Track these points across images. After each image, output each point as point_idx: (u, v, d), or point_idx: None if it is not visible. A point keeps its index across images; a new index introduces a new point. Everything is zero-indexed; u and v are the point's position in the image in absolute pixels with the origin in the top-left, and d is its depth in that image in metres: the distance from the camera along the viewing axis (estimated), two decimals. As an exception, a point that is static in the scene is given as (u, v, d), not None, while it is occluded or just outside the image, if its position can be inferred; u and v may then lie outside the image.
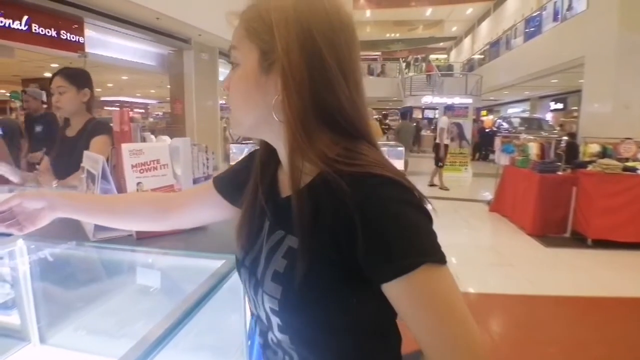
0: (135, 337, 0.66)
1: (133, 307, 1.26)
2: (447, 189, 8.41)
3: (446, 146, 8.68)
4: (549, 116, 17.24)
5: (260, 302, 0.63)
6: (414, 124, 15.03)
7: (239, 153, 6.15)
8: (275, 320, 0.62)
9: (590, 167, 5.06)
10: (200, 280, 0.87)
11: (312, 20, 0.57)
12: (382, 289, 0.54)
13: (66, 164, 1.94)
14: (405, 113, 12.99)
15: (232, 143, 6.33)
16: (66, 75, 1.98)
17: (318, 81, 0.57)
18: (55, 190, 1.84)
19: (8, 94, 10.01)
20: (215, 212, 0.84)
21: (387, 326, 0.64)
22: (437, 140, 8.76)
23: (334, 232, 0.54)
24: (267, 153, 0.69)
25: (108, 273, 1.25)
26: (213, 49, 9.93)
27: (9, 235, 1.15)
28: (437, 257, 0.52)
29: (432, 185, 8.74)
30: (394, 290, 0.53)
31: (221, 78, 10.43)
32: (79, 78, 2.02)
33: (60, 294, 1.31)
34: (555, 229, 5.11)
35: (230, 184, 0.81)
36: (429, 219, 0.55)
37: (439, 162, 8.60)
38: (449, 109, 9.77)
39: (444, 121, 8.90)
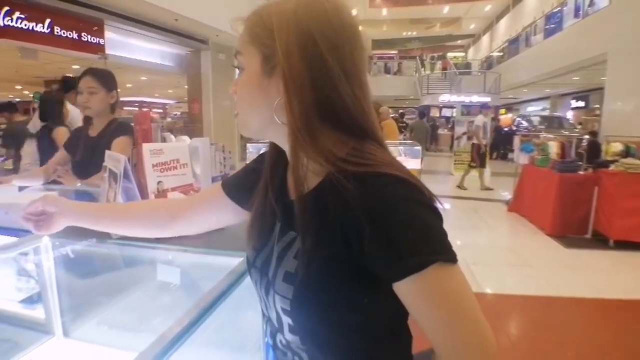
0: (155, 332, 0.67)
1: (153, 303, 1.29)
2: (490, 189, 8.03)
3: (485, 146, 8.27)
4: (569, 114, 16.88)
5: (272, 303, 0.64)
6: (430, 123, 14.83)
7: (255, 152, 6.18)
8: (286, 321, 0.62)
9: (612, 167, 4.94)
10: (219, 278, 0.88)
11: (312, 22, 0.58)
12: (394, 288, 0.55)
13: (88, 163, 1.98)
14: (423, 112, 12.92)
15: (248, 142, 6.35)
16: (96, 76, 2.02)
17: (320, 82, 0.57)
18: (80, 188, 1.89)
19: (31, 95, 10.29)
20: (224, 216, 0.85)
21: (398, 326, 0.65)
22: (475, 141, 8.30)
23: (344, 232, 0.55)
24: (276, 154, 0.70)
25: (129, 269, 1.28)
26: (230, 49, 10.02)
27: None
28: (448, 256, 0.53)
29: (463, 188, 8.25)
30: (405, 289, 0.54)
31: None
32: (108, 80, 2.06)
33: (83, 289, 1.34)
34: (575, 229, 5.00)
35: (239, 187, 0.81)
36: (439, 217, 0.55)
37: (476, 161, 8.16)
38: (484, 107, 9.34)
39: (480, 119, 8.46)
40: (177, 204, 0.91)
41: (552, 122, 13.75)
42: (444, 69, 20.54)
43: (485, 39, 25.71)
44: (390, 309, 0.59)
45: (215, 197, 0.83)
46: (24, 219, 0.89)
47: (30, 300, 1.32)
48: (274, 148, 0.70)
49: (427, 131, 11.82)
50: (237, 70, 0.67)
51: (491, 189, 8.16)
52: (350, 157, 0.57)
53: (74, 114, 3.77)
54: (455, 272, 0.54)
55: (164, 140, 1.29)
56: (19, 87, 13.73)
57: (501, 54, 18.36)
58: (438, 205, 0.56)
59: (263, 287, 0.67)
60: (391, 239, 0.52)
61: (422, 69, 19.95)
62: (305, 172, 0.60)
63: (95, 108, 2.02)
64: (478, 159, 8.19)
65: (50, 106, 3.50)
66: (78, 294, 1.32)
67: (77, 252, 1.23)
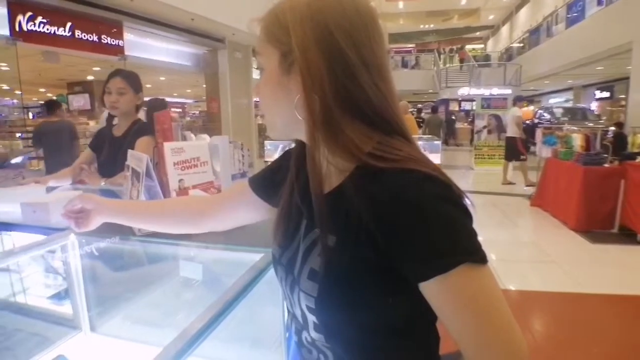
0: (178, 327, 0.68)
1: (176, 299, 1.32)
2: (534, 184, 7.49)
3: (521, 139, 7.86)
4: (594, 105, 16.42)
5: (297, 300, 0.63)
6: (443, 118, 14.83)
7: (273, 150, 6.23)
8: (311, 319, 0.62)
9: (639, 159, 4.79)
10: (240, 273, 0.89)
11: (328, 14, 0.57)
12: (420, 288, 0.53)
13: (113, 163, 2.02)
14: (436, 107, 13.01)
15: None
16: (125, 77, 2.08)
17: (340, 74, 0.56)
18: (104, 187, 1.93)
19: (55, 97, 10.59)
20: (252, 212, 0.85)
21: (424, 327, 0.63)
22: (511, 134, 7.93)
23: (370, 230, 0.53)
24: (302, 151, 0.69)
25: (153, 266, 1.30)
26: (247, 48, 10.08)
27: (63, 229, 1.23)
28: (478, 256, 0.51)
29: (509, 183, 8.03)
30: (432, 290, 0.52)
31: (255, 76, 10.59)
32: (135, 81, 2.12)
33: (108, 286, 1.38)
34: (601, 224, 4.87)
35: (266, 184, 0.81)
36: (468, 216, 0.53)
37: (517, 156, 7.80)
38: (519, 99, 8.96)
39: (514, 111, 8.10)
40: (206, 201, 0.94)
41: (576, 114, 13.38)
42: (461, 60, 20.22)
43: (504, 29, 25.18)
44: (415, 310, 0.58)
45: (243, 195, 0.84)
46: (64, 217, 0.93)
47: (58, 297, 1.37)
48: (301, 145, 0.69)
49: (441, 123, 12.12)
50: (253, 69, 0.67)
51: (513, 184, 7.98)
52: (376, 151, 0.56)
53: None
54: (485, 273, 0.52)
55: (184, 138, 1.31)
56: (42, 89, 14.10)
57: (521, 45, 17.95)
58: (467, 202, 0.54)
59: (288, 284, 0.66)
60: (418, 238, 0.51)
61: (440, 62, 19.70)
62: (328, 168, 0.59)
63: (123, 108, 2.07)
64: (518, 153, 7.80)
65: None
66: (104, 290, 1.35)
67: (102, 250, 1.26)
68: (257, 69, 0.77)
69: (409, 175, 0.53)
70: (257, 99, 0.68)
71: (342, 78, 0.56)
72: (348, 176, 0.58)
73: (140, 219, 0.95)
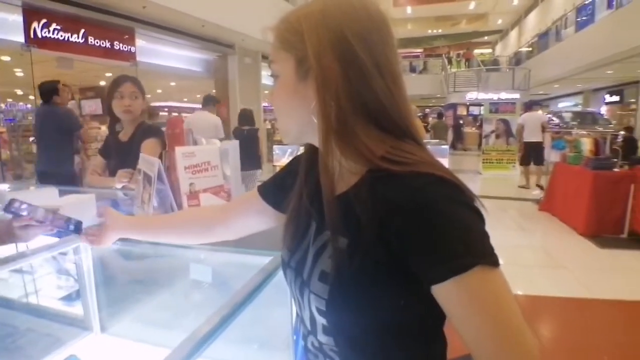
0: (188, 329, 0.69)
1: (186, 301, 1.33)
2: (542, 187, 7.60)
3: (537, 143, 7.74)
4: (603, 109, 16.25)
5: (307, 303, 0.63)
6: (451, 123, 15.23)
7: (281, 154, 6.23)
8: (320, 321, 0.62)
9: (650, 163, 4.75)
10: (249, 276, 0.90)
11: (342, 20, 0.58)
12: (432, 290, 0.53)
13: (120, 167, 2.05)
14: (441, 113, 13.33)
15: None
16: (135, 82, 2.12)
17: (354, 80, 0.57)
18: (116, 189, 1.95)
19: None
20: (262, 219, 0.86)
21: (433, 330, 0.63)
22: (536, 138, 7.72)
23: (383, 232, 0.54)
24: (312, 155, 0.70)
25: (163, 268, 1.32)
26: (256, 53, 10.14)
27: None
28: (490, 259, 0.51)
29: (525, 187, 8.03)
30: (444, 292, 0.52)
31: (264, 81, 10.64)
32: (142, 86, 2.17)
33: (119, 288, 1.39)
34: (610, 229, 4.81)
35: (275, 190, 0.82)
36: (481, 219, 0.54)
37: (541, 160, 7.72)
38: (534, 103, 8.63)
39: (539, 116, 7.98)
40: (218, 211, 0.94)
41: (585, 118, 13.26)
42: (467, 60, 20.17)
43: (513, 34, 25.08)
44: (426, 312, 0.58)
45: (253, 202, 0.85)
46: (84, 238, 0.98)
47: (69, 298, 1.39)
48: (311, 149, 0.70)
49: (446, 128, 12.45)
50: (263, 75, 0.69)
51: (528, 188, 7.91)
52: (389, 155, 0.56)
53: None
54: (497, 276, 0.52)
55: (195, 143, 1.33)
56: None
57: (530, 49, 17.88)
58: (479, 206, 0.54)
59: (297, 287, 0.66)
60: (431, 240, 0.51)
61: (449, 66, 19.64)
62: (340, 171, 0.60)
63: (136, 112, 2.11)
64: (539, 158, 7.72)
65: None
66: (114, 291, 1.37)
67: (114, 252, 1.28)
68: (271, 76, 0.78)
69: (423, 178, 0.53)
70: (270, 105, 0.69)
71: (357, 83, 0.57)
72: (360, 179, 0.59)
73: (154, 233, 0.97)
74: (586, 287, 3.56)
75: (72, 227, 0.94)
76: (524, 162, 8.05)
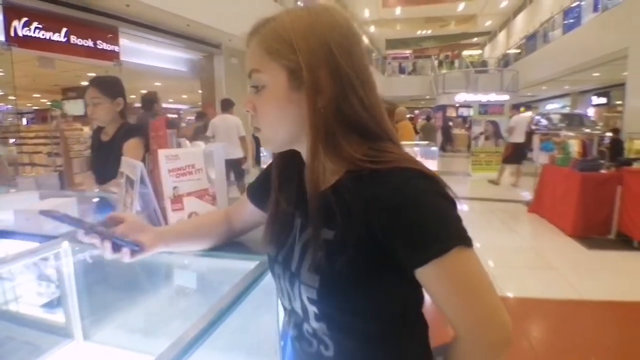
0: (172, 336, 0.67)
1: (170, 307, 1.30)
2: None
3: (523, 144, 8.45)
4: (591, 111, 16.50)
5: (297, 294, 0.67)
6: (440, 124, 15.78)
7: (268, 155, 6.20)
8: (312, 309, 0.65)
9: (636, 165, 4.81)
10: (235, 281, 0.88)
11: (329, 34, 0.61)
12: (416, 274, 0.58)
13: (103, 168, 2.01)
14: (429, 116, 13.98)
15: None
16: (99, 86, 2.03)
17: (341, 91, 0.61)
18: (97, 194, 1.92)
19: (49, 103, 10.54)
20: (256, 218, 0.91)
21: (416, 313, 0.69)
22: (521, 139, 8.33)
23: (368, 225, 0.58)
24: (287, 158, 0.73)
25: (147, 274, 1.29)
26: (243, 54, 9.88)
27: (56, 237, 1.22)
28: (466, 240, 0.57)
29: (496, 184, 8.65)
30: (428, 274, 0.57)
31: (252, 83, 10.58)
32: (111, 88, 2.07)
33: (101, 294, 1.36)
34: (598, 230, 4.88)
35: (260, 191, 0.86)
36: (454, 205, 0.60)
37: (522, 159, 8.42)
38: (517, 106, 9.51)
39: (525, 117, 8.74)
40: (222, 214, 0.98)
41: (573, 120, 13.42)
42: (452, 61, 20.35)
43: (501, 36, 25.36)
44: (409, 297, 0.65)
45: (245, 203, 0.91)
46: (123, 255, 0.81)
47: (50, 305, 1.35)
48: (285, 153, 0.72)
49: (434, 130, 13.00)
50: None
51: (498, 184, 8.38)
52: (366, 156, 0.61)
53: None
54: (473, 255, 0.58)
55: (179, 145, 1.30)
56: (36, 95, 14.08)
57: (518, 51, 18.07)
58: (451, 194, 0.60)
59: (287, 279, 0.70)
60: (415, 227, 0.56)
61: (439, 68, 19.77)
62: (323, 171, 0.64)
63: (102, 118, 2.04)
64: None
65: None
66: (97, 298, 1.33)
67: (95, 257, 1.24)
68: (254, 87, 0.64)
69: (402, 173, 0.58)
70: (250, 112, 0.67)
71: (343, 95, 0.61)
72: (341, 177, 0.63)
73: (179, 244, 0.91)
74: (574, 288, 3.59)
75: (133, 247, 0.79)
76: (511, 161, 8.35)
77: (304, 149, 0.68)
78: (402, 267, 0.59)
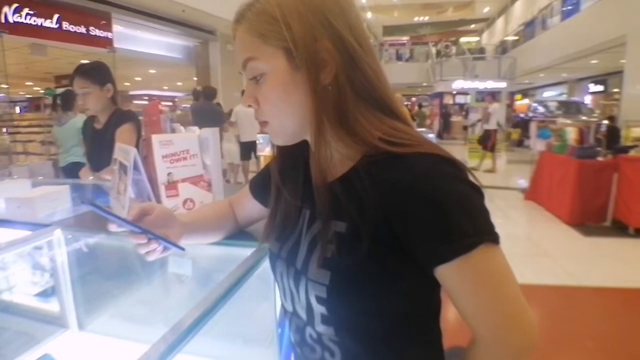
0: (168, 324, 0.67)
1: (166, 295, 1.29)
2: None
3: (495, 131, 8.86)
4: (588, 99, 16.47)
5: (303, 293, 0.61)
6: (436, 112, 16.34)
7: (265, 143, 6.24)
8: (319, 311, 0.60)
9: (632, 152, 4.80)
10: (230, 269, 0.87)
11: (323, 6, 0.56)
12: (436, 271, 0.53)
13: (97, 155, 1.98)
14: (421, 104, 14.66)
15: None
16: (86, 74, 1.95)
17: (347, 63, 0.56)
18: (91, 182, 1.89)
19: (42, 91, 10.40)
20: (261, 212, 0.87)
21: (432, 317, 0.63)
22: (494, 127, 8.80)
23: (386, 215, 0.53)
24: (290, 147, 0.66)
25: (141, 262, 1.27)
26: (239, 40, 9.96)
27: (48, 225, 1.19)
28: (493, 236, 0.52)
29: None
30: (451, 272, 0.52)
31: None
32: (98, 74, 1.99)
33: (96, 282, 1.35)
34: (594, 217, 4.89)
35: (262, 186, 0.81)
36: (482, 195, 0.54)
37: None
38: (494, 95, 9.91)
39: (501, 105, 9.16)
40: (227, 206, 0.94)
41: (570, 108, 13.41)
42: (448, 46, 20.33)
43: (499, 22, 25.12)
44: (425, 298, 0.60)
45: (248, 197, 0.88)
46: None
47: (44, 294, 1.33)
48: (286, 148, 0.67)
49: (425, 117, 13.96)
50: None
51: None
52: (386, 136, 0.56)
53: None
54: (499, 252, 0.53)
55: (173, 131, 1.27)
56: (29, 83, 13.90)
57: (516, 37, 17.93)
58: (477, 182, 0.55)
59: (292, 277, 0.64)
60: (439, 220, 0.51)
61: (438, 58, 19.61)
62: (335, 158, 0.59)
63: (94, 107, 1.98)
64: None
65: None
66: (91, 287, 1.32)
67: (89, 246, 1.23)
68: (253, 79, 0.60)
69: (427, 159, 0.53)
70: (253, 106, 0.62)
71: (349, 64, 0.56)
72: (358, 163, 0.58)
73: (194, 237, 0.84)
74: (570, 275, 3.61)
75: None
76: (490, 147, 8.78)
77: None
78: (419, 264, 0.54)
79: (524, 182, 7.00)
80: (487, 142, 8.80)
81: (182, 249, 0.75)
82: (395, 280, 0.56)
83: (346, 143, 0.58)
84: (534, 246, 4.51)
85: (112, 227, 0.65)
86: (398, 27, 26.62)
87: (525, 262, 4.01)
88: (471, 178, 0.54)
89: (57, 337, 1.26)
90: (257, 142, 5.98)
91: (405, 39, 26.50)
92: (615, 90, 13.53)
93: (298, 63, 0.56)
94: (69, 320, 1.27)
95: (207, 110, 6.11)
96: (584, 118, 9.55)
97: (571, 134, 5.60)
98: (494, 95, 9.65)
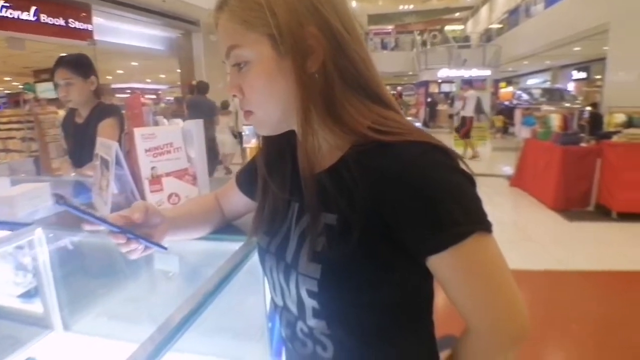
0: (156, 322, 0.65)
1: (153, 292, 1.27)
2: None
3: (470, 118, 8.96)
4: (571, 86, 16.67)
5: (293, 287, 0.60)
6: (422, 101, 16.61)
7: (251, 135, 6.24)
8: (310, 304, 0.59)
9: (615, 138, 4.88)
10: (219, 263, 0.85)
11: None
12: (428, 262, 0.52)
13: (79, 151, 1.93)
14: (400, 93, 15.37)
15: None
16: (70, 65, 1.91)
17: (335, 50, 0.54)
18: (73, 178, 1.85)
19: (21, 86, 10.14)
20: (248, 205, 0.86)
21: (424, 306, 0.63)
22: (471, 114, 8.91)
23: (377, 205, 0.52)
24: (276, 137, 0.65)
25: (126, 260, 1.24)
26: (223, 30, 9.82)
27: (29, 224, 1.16)
28: (486, 225, 0.52)
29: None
30: (442, 262, 0.52)
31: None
32: (83, 66, 1.95)
33: (80, 282, 1.32)
34: (578, 202, 4.98)
35: (249, 179, 0.80)
36: (473, 184, 0.54)
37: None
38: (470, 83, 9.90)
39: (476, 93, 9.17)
40: (213, 199, 0.92)
41: (553, 95, 13.55)
42: (437, 35, 20.40)
43: (484, 10, 25.15)
44: (417, 288, 0.59)
45: (234, 190, 0.86)
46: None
47: (28, 295, 1.30)
48: (273, 136, 0.65)
49: (408, 105, 14.59)
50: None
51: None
52: (375, 125, 0.55)
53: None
54: (492, 241, 0.53)
55: (156, 124, 1.24)
56: (8, 78, 13.54)
57: (501, 25, 18.00)
58: (469, 170, 0.54)
59: (281, 271, 0.63)
60: (430, 209, 0.50)
61: (423, 47, 19.61)
62: (323, 148, 0.58)
63: (76, 99, 1.94)
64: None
65: None
66: (75, 286, 1.29)
67: (72, 244, 1.20)
68: (236, 65, 0.58)
69: (417, 147, 0.52)
70: (237, 96, 0.60)
71: (336, 51, 0.55)
72: (347, 152, 0.57)
73: (180, 233, 0.82)
74: (556, 259, 3.67)
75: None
76: (466, 135, 8.85)
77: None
78: (411, 254, 0.53)
79: (509, 169, 7.07)
80: (461, 129, 8.92)
81: (164, 248, 0.72)
82: (387, 270, 0.55)
83: (334, 132, 0.57)
84: (519, 231, 4.58)
85: (88, 227, 0.62)
86: (383, 15, 26.53)
87: (510, 247, 4.06)
88: (462, 166, 0.54)
89: (42, 338, 1.23)
90: (243, 133, 5.99)
91: (390, 27, 26.39)
92: (598, 77, 13.71)
93: (283, 50, 0.54)
94: (54, 321, 1.24)
95: (202, 103, 6.28)
96: (567, 105, 9.66)
97: (555, 121, 5.66)
98: (471, 82, 9.80)
